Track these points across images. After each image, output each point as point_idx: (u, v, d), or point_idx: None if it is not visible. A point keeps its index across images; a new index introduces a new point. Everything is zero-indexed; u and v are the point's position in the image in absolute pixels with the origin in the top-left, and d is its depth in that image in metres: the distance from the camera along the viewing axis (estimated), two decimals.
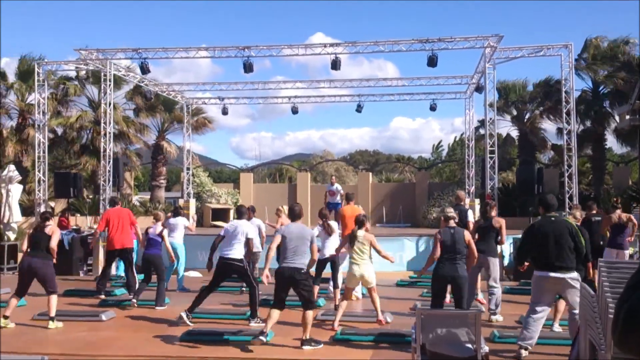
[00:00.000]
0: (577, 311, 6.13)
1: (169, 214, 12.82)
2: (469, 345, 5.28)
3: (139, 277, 11.08)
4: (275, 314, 7.33)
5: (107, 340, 7.71)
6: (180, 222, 12.06)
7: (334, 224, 10.30)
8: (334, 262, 9.89)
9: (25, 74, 23.20)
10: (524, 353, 6.58)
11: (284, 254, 7.35)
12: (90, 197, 23.02)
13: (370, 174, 27.68)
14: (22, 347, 6.99)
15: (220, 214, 23.01)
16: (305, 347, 7.11)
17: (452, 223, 7.30)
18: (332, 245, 9.79)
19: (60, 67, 19.23)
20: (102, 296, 10.98)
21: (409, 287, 12.33)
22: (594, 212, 11.22)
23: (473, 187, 19.88)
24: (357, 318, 8.88)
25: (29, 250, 8.77)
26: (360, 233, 8.24)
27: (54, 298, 8.52)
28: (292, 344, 7.42)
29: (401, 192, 24.45)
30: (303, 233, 7.40)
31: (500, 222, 8.94)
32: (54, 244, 8.78)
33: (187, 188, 21.72)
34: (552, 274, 6.53)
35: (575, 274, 6.53)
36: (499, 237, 8.91)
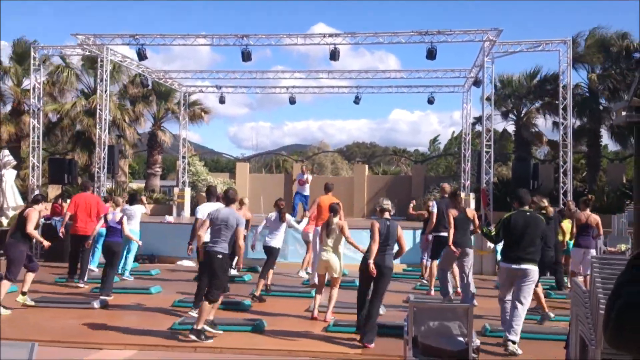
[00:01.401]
0: (526, 300, 6.93)
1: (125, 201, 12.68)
2: (461, 338, 5.29)
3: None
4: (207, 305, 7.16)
5: (98, 328, 7.70)
6: (137, 209, 11.88)
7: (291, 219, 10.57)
8: (272, 253, 10.06)
9: (21, 57, 23.04)
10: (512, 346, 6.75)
11: (210, 237, 7.35)
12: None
13: (366, 166, 27.65)
14: (11, 333, 6.97)
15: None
16: (191, 337, 6.98)
17: (387, 215, 7.43)
18: (279, 236, 10.09)
19: (57, 52, 19.11)
20: (81, 285, 10.80)
21: (403, 279, 12.35)
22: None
23: (469, 181, 19.90)
24: (350, 310, 8.87)
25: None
26: (334, 220, 8.34)
27: (5, 284, 8.40)
28: (285, 334, 7.43)
29: (397, 185, 24.43)
30: (229, 218, 7.31)
31: (472, 212, 9.30)
32: (29, 228, 8.62)
33: (183, 177, 21.67)
34: (518, 266, 6.96)
35: (536, 267, 7.04)
36: (473, 228, 9.14)
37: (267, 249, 10.07)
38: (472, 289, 8.84)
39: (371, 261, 7.10)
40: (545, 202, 9.39)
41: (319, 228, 9.67)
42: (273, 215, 10.35)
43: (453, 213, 8.97)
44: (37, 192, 16.69)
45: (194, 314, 7.95)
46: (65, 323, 7.94)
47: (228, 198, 7.63)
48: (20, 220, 8.73)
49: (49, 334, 7.31)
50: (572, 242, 10.70)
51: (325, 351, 6.81)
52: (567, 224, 11.17)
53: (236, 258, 8.17)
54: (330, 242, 8.26)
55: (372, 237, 7.21)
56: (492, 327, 7.57)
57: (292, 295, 10.29)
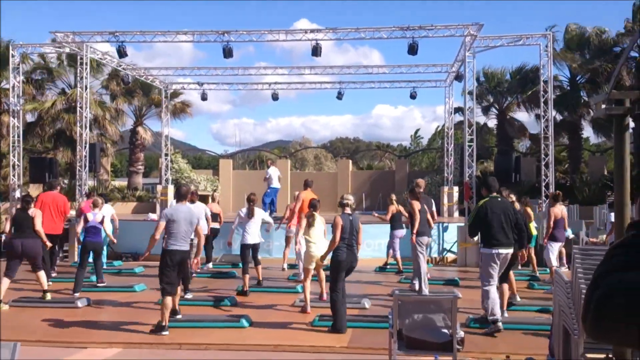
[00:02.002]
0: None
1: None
2: (445, 331, 5.33)
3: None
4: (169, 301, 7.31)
5: (83, 327, 7.64)
6: (107, 210, 11.78)
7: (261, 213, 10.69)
8: (256, 249, 10.27)
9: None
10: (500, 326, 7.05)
11: (171, 237, 7.41)
12: (66, 182, 22.69)
13: (350, 161, 27.70)
14: None
15: (200, 201, 22.85)
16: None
17: (348, 210, 7.65)
18: (254, 231, 10.13)
19: (35, 50, 18.85)
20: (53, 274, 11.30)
21: (387, 273, 12.42)
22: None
23: (452, 175, 20.02)
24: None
25: (12, 232, 9.00)
26: (315, 215, 8.60)
27: (42, 274, 9.13)
28: (271, 329, 7.44)
29: (381, 180, 24.51)
30: (190, 215, 7.47)
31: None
32: (38, 226, 9.07)
33: (166, 174, 21.54)
34: (502, 250, 7.30)
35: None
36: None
37: (245, 246, 10.07)
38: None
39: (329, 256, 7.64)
40: (513, 197, 9.58)
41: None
42: (244, 210, 10.35)
43: (417, 206, 9.56)
44: (17, 191, 16.51)
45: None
46: (49, 322, 7.87)
47: (180, 194, 7.81)
48: (29, 219, 9.06)
49: (32, 333, 7.24)
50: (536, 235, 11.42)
51: (311, 345, 6.83)
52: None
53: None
54: (314, 236, 8.44)
55: (334, 234, 7.43)
56: (476, 319, 7.64)
57: (277, 290, 10.31)
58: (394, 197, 12.48)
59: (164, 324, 7.21)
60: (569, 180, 22.43)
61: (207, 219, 11.31)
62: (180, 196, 7.76)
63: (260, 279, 10.48)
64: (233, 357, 6.51)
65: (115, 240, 11.57)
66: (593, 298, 1.33)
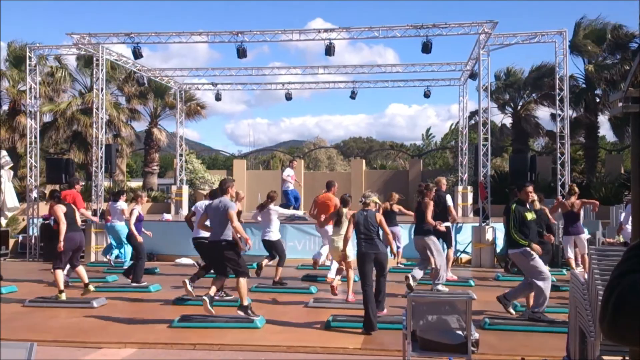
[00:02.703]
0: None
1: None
2: (460, 332, 5.29)
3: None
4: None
5: (98, 327, 7.70)
6: (121, 206, 12.57)
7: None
8: (274, 246, 10.64)
9: (17, 59, 22.96)
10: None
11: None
12: (82, 183, 22.88)
13: (364, 161, 27.65)
14: (11, 333, 6.97)
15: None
16: (239, 313, 7.71)
17: (368, 207, 7.99)
18: (274, 228, 10.66)
19: (52, 52, 19.03)
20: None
21: (401, 273, 12.35)
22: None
23: (466, 174, 19.90)
24: (348, 305, 8.89)
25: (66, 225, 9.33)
26: (344, 211, 9.19)
27: (82, 268, 9.70)
28: (284, 330, 7.44)
29: (394, 180, 24.43)
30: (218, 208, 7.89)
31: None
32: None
33: (180, 175, 21.64)
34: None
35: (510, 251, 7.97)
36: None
37: (266, 242, 10.50)
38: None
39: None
40: (535, 197, 9.60)
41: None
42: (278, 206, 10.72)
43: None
44: (35, 192, 16.69)
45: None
46: (65, 322, 7.94)
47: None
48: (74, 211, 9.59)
49: (48, 333, 7.31)
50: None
51: (324, 346, 6.81)
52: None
53: None
54: (341, 231, 8.90)
55: (347, 229, 8.16)
56: (491, 321, 7.58)
57: (291, 291, 10.31)
58: (395, 195, 12.36)
59: (246, 304, 7.76)
60: (585, 180, 22.18)
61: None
62: (222, 190, 8.14)
63: (278, 279, 10.54)
64: (247, 357, 6.51)
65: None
66: (610, 299, 1.30)
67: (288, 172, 16.72)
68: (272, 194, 10.90)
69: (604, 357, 4.45)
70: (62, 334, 7.32)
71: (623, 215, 11.56)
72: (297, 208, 15.75)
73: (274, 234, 10.59)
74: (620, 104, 4.25)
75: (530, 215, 7.88)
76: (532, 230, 7.88)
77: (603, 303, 1.36)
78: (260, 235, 10.83)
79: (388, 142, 54.82)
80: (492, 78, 23.44)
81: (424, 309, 5.35)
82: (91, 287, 9.41)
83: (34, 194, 16.52)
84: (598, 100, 22.77)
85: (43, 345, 6.30)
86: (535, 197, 9.52)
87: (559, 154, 15.47)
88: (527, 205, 8.05)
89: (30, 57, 17.10)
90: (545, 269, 7.74)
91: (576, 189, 11.29)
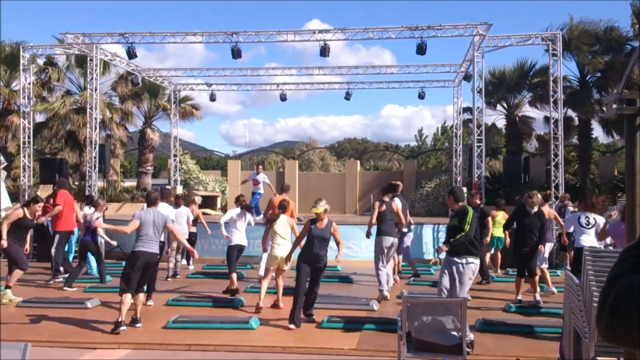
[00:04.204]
0: None
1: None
2: (454, 333, 5.30)
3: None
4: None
5: (91, 328, 7.66)
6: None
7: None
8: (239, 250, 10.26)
9: (9, 59, 22.83)
10: None
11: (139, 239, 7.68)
12: (77, 183, 22.82)
13: (358, 162, 27.65)
14: (4, 334, 6.93)
15: (208, 202, 22.89)
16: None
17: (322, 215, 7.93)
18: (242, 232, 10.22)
19: (45, 51, 18.95)
20: (60, 278, 11.17)
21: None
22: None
23: (460, 175, 19.94)
24: (343, 306, 8.89)
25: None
26: (283, 217, 8.84)
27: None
28: (278, 331, 7.43)
29: (389, 180, 24.36)
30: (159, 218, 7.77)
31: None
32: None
33: (174, 175, 21.58)
34: None
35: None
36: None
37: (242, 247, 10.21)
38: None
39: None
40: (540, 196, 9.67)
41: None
42: (237, 211, 10.28)
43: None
44: (27, 192, 16.60)
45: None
46: (59, 323, 7.90)
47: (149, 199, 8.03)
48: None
49: (43, 334, 7.28)
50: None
51: (320, 346, 6.81)
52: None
53: None
54: (283, 238, 8.68)
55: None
56: (486, 322, 7.60)
57: (286, 292, 10.27)
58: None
59: (120, 320, 7.37)
60: (579, 182, 22.26)
61: (187, 223, 11.60)
62: (149, 202, 7.95)
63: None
64: (242, 358, 6.50)
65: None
66: (607, 301, 1.31)
67: (262, 177, 16.97)
68: (242, 199, 10.58)
69: (599, 358, 4.47)
70: (56, 335, 7.29)
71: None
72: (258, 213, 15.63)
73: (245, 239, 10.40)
74: (614, 106, 4.27)
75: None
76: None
77: (600, 304, 1.37)
78: (240, 239, 10.22)
79: (383, 143, 54.90)
80: (487, 79, 23.48)
81: (419, 310, 5.36)
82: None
83: (27, 195, 16.42)
84: (592, 101, 22.84)
85: (37, 345, 6.27)
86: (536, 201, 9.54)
87: (552, 156, 15.52)
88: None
89: (23, 57, 17.02)
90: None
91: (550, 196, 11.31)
